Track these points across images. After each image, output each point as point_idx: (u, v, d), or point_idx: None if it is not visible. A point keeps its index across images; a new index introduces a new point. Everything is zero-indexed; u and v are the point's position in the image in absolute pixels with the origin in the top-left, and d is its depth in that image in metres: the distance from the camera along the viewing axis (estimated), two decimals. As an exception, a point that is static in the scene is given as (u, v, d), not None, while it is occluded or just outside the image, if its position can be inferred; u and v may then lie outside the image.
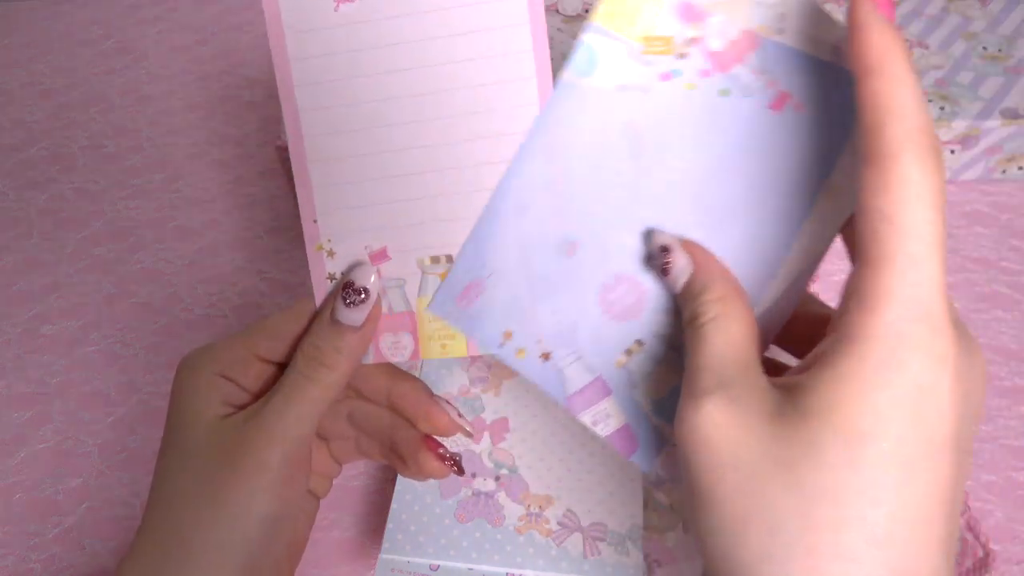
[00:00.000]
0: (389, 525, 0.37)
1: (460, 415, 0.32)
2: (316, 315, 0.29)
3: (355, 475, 0.44)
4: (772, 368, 0.26)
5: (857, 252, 0.21)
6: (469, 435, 0.33)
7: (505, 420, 0.41)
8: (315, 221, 0.30)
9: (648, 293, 0.28)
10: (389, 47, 0.28)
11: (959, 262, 0.53)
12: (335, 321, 0.28)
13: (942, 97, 0.55)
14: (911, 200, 0.20)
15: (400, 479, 0.39)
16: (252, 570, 0.27)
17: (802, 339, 0.27)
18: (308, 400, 0.28)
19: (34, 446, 0.46)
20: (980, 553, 0.36)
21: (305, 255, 0.30)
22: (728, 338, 0.24)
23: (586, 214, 0.28)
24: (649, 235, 0.27)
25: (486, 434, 0.41)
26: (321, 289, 0.30)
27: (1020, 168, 0.56)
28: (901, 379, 0.20)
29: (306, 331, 0.29)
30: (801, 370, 0.23)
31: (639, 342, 0.28)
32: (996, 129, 0.53)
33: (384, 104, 0.28)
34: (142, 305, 0.53)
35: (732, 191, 0.27)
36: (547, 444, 0.40)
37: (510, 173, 0.28)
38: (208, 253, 0.56)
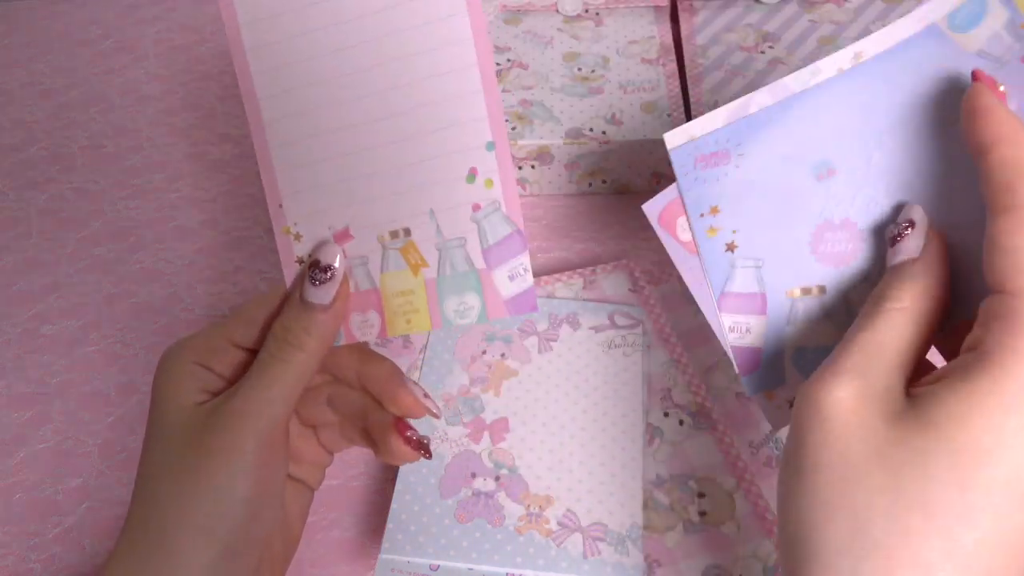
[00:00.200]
0: (389, 525, 0.37)
1: (426, 395, 0.32)
2: (286, 297, 0.30)
3: (355, 475, 0.44)
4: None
5: (993, 283, 0.22)
6: (436, 416, 0.33)
7: (505, 420, 0.41)
8: (280, 205, 0.30)
9: (861, 253, 0.27)
10: (336, 25, 0.28)
11: None
12: (304, 301, 0.29)
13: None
14: None
15: (400, 479, 0.39)
16: (233, 554, 0.27)
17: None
18: (279, 382, 0.28)
19: (34, 446, 0.46)
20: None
21: (304, 255, 0.30)
22: (899, 333, 0.24)
23: (859, 154, 0.27)
24: (905, 205, 0.27)
25: (486, 434, 0.41)
26: (291, 273, 0.30)
27: None
28: None
29: (276, 314, 0.30)
30: (931, 381, 0.23)
31: (821, 288, 0.28)
32: None
33: (336, 81, 0.29)
34: (142, 305, 0.53)
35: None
36: (547, 444, 0.40)
37: (830, 82, 0.27)
38: (208, 253, 0.56)
